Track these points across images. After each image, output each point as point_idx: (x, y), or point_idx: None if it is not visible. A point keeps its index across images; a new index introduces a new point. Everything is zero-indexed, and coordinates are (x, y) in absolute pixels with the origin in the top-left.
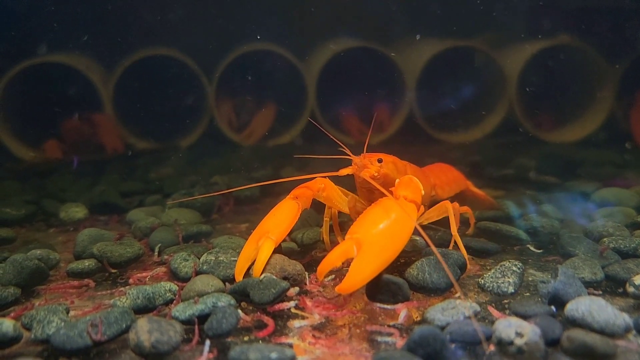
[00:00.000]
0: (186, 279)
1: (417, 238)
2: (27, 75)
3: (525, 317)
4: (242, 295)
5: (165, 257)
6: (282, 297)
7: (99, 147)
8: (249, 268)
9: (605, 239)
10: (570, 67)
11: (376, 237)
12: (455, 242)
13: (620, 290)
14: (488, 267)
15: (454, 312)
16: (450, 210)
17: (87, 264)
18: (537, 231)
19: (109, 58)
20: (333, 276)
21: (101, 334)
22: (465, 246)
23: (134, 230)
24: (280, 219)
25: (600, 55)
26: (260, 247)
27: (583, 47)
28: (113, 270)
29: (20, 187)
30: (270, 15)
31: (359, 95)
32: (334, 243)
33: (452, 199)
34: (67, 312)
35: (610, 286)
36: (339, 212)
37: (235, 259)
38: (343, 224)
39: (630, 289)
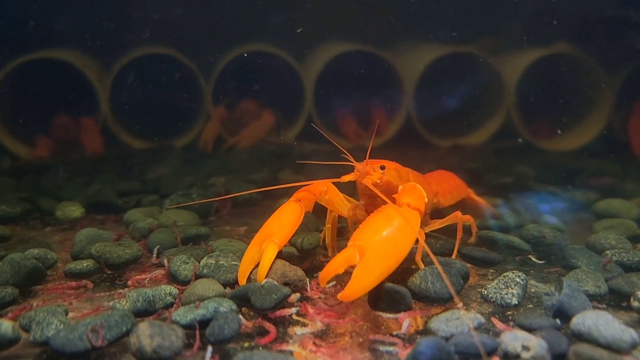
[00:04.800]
0: (185, 282)
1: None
2: (23, 71)
3: (530, 329)
4: (243, 300)
5: (164, 259)
6: (283, 303)
7: (82, 148)
8: (252, 272)
9: (608, 252)
10: (569, 75)
11: (379, 244)
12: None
13: (624, 304)
14: (489, 277)
15: (458, 322)
16: (460, 222)
17: (85, 264)
18: (539, 241)
19: (106, 56)
20: (334, 283)
21: (102, 339)
22: (466, 256)
23: (132, 231)
24: (284, 222)
25: (599, 64)
26: (263, 251)
27: (582, 56)
28: (109, 272)
29: (15, 184)
30: (269, 15)
31: (356, 99)
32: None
33: (453, 207)
34: (66, 314)
35: (614, 300)
36: (339, 217)
37: (236, 262)
38: (342, 229)
39: (635, 304)
